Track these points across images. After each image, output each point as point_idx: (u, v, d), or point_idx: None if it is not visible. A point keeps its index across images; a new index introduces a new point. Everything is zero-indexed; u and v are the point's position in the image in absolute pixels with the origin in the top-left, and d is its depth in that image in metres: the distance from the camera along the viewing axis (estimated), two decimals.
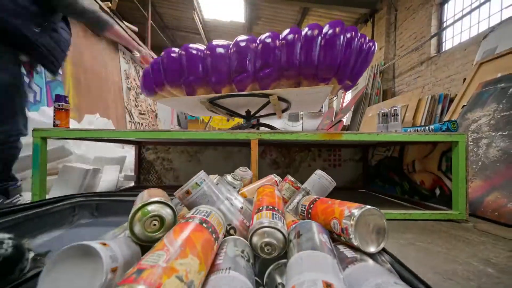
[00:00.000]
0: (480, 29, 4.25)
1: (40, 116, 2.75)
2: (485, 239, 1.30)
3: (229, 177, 0.93)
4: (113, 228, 0.84)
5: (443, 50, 5.09)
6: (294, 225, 0.62)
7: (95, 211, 1.16)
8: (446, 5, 5.15)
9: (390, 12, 6.75)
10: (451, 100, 3.90)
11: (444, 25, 5.16)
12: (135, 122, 6.32)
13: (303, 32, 1.78)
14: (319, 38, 1.72)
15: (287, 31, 1.85)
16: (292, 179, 1.01)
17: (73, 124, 3.20)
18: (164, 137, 1.62)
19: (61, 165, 2.06)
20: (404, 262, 0.56)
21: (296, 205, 0.85)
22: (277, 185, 1.06)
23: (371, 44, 1.80)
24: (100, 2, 4.29)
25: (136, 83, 6.53)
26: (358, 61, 1.77)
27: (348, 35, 1.70)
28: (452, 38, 4.97)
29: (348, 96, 8.92)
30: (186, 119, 11.10)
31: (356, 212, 0.59)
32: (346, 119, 6.90)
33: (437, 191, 1.93)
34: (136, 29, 5.82)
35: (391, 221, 1.63)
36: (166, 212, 0.58)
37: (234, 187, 0.91)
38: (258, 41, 1.89)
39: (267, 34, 1.88)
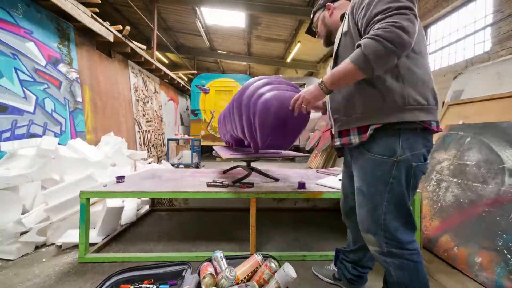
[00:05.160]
0: (457, 59, 4.54)
1: (70, 151, 3.09)
2: None
3: (227, 273, 1.30)
4: None
5: None
6: None
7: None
8: (429, 29, 5.42)
9: None
10: None
11: (428, 48, 5.44)
12: (143, 130, 6.65)
13: None
14: None
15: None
16: (271, 265, 1.37)
17: (91, 149, 3.55)
18: (181, 196, 1.98)
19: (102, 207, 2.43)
20: None
21: None
22: (260, 265, 1.43)
23: None
24: (111, 28, 4.54)
25: (144, 94, 6.82)
26: None
27: None
28: (434, 62, 5.26)
29: None
30: (189, 117, 11.46)
31: None
32: None
33: None
34: (144, 47, 6.09)
35: None
36: None
37: (231, 279, 1.28)
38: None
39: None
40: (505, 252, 1.73)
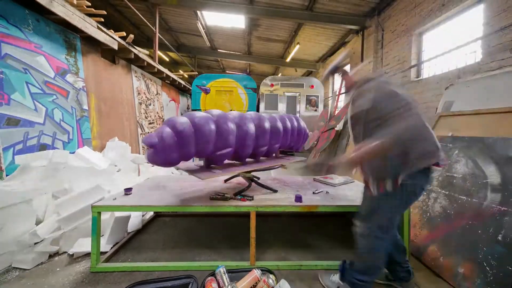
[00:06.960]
0: (450, 67, 4.62)
1: (78, 160, 3.20)
2: None
3: None
4: None
5: (422, 77, 5.47)
6: None
7: None
8: (424, 36, 5.49)
9: (378, 31, 7.04)
10: None
11: (423, 54, 5.53)
12: (146, 133, 6.75)
13: None
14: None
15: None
16: (269, 281, 1.49)
17: (97, 156, 3.66)
18: (187, 210, 2.09)
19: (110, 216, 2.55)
20: None
21: None
22: (259, 280, 1.55)
23: None
24: (115, 36, 4.62)
25: (146, 96, 6.91)
26: None
27: None
28: (428, 68, 5.34)
29: (343, 96, 9.35)
30: None
31: None
32: (338, 126, 7.32)
33: None
34: (147, 52, 6.16)
35: None
36: None
37: None
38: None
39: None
40: (485, 264, 1.85)
